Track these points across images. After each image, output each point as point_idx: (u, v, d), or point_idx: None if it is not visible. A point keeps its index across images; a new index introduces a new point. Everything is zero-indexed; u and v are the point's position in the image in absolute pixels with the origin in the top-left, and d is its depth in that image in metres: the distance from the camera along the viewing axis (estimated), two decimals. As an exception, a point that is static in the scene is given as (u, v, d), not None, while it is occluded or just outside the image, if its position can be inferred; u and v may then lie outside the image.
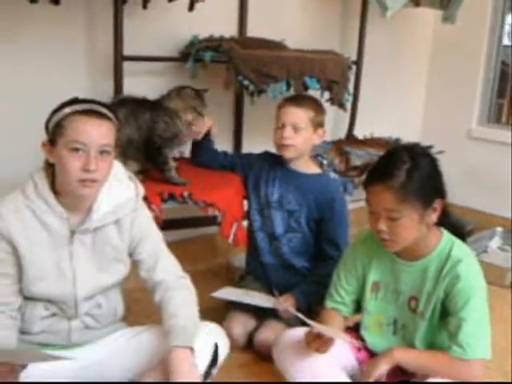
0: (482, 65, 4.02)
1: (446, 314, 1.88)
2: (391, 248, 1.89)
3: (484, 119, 4.10)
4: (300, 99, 2.48)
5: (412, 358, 1.89)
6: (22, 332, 1.81)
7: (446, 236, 1.92)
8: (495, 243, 3.79)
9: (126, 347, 1.91)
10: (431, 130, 4.15)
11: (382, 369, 1.87)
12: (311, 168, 2.56)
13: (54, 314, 1.86)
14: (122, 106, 2.35)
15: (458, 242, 1.91)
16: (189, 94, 2.48)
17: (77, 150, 1.70)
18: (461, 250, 1.89)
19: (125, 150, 2.29)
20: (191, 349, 1.76)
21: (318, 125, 2.46)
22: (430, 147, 3.37)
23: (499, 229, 3.82)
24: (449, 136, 4.04)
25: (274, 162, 2.55)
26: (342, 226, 2.50)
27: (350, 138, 3.51)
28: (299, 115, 2.40)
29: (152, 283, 1.95)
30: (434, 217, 1.84)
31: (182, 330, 1.80)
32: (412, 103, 4.21)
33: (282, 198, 2.53)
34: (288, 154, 2.46)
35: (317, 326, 1.88)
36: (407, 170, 1.78)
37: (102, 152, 1.72)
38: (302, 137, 2.42)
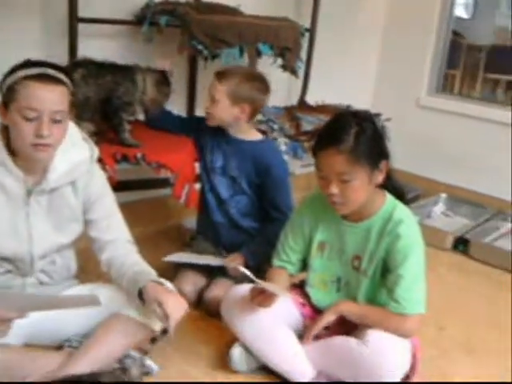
0: (433, 35, 4.08)
1: (386, 272, 1.99)
2: (341, 211, 1.96)
3: (433, 89, 4.18)
4: (227, 73, 2.51)
5: (356, 310, 2.00)
6: None
7: (389, 199, 2.01)
8: (439, 209, 3.91)
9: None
10: (382, 97, 4.21)
11: (329, 319, 2.00)
12: (251, 135, 2.62)
13: (8, 271, 1.90)
14: (81, 67, 2.37)
15: (400, 204, 2.01)
16: (162, 91, 2.54)
17: (29, 116, 1.70)
18: (402, 212, 1.99)
19: (81, 110, 2.31)
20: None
21: (242, 100, 2.48)
22: (378, 115, 3.47)
23: (443, 195, 3.95)
24: (399, 104, 4.12)
25: (218, 130, 2.60)
26: (281, 191, 2.57)
27: (302, 104, 3.55)
28: (217, 88, 2.47)
29: (101, 243, 2.00)
30: (380, 178, 1.93)
31: (151, 271, 1.91)
32: (364, 71, 4.26)
33: (224, 165, 2.61)
34: (208, 121, 2.56)
35: (261, 283, 1.96)
36: (355, 134, 1.85)
37: (54, 118, 1.73)
38: (217, 108, 2.49)
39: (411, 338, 1.98)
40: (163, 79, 2.54)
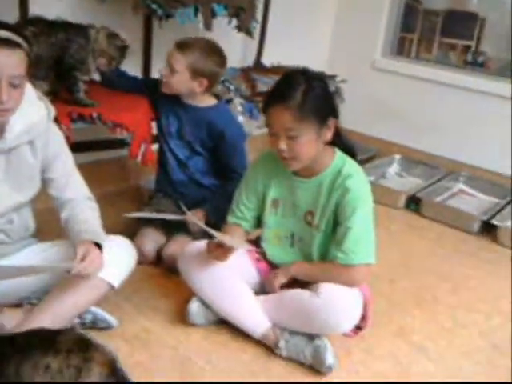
0: (389, -2, 4.12)
1: (336, 225, 2.05)
2: (291, 167, 2.01)
3: (387, 51, 4.23)
4: (188, 45, 2.50)
5: (305, 271, 2.08)
6: None
7: (339, 155, 2.07)
8: (393, 169, 4.00)
9: (35, 261, 1.98)
10: (337, 59, 4.23)
11: (281, 281, 2.08)
12: (206, 101, 2.64)
13: (-34, 230, 1.90)
14: (32, 25, 2.33)
15: (349, 160, 2.06)
16: (115, 44, 2.50)
17: None
18: (351, 166, 2.04)
19: (34, 70, 2.28)
20: (99, 246, 1.88)
21: (201, 74, 2.50)
22: (333, 76, 3.52)
23: (398, 156, 4.02)
24: (354, 66, 4.15)
25: (173, 96, 2.60)
26: (235, 154, 2.62)
27: (258, 65, 3.57)
28: (177, 59, 2.47)
29: (61, 201, 2.01)
30: (328, 135, 1.98)
31: (93, 231, 1.93)
32: (319, 33, 4.27)
33: (179, 130, 2.64)
34: (163, 89, 2.57)
35: (219, 236, 2.01)
36: (303, 91, 1.89)
37: (13, 82, 1.70)
38: (175, 79, 2.50)
39: (360, 287, 2.05)
40: (116, 34, 2.51)
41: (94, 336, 1.61)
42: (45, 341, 1.50)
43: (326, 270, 2.05)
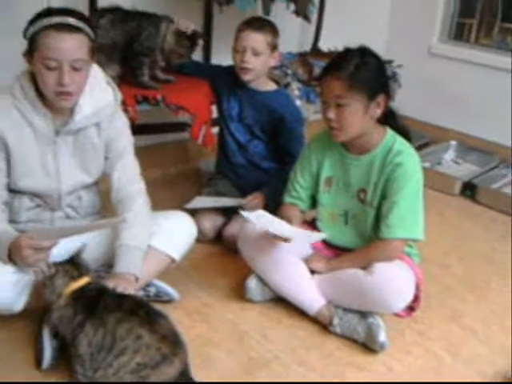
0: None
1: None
2: (338, 137, 2.06)
3: (445, 36, 4.19)
4: (259, 23, 2.57)
5: (342, 265, 2.13)
6: (10, 221, 1.95)
7: (390, 134, 2.11)
8: (449, 156, 3.97)
9: (100, 238, 2.07)
10: (394, 45, 4.19)
11: (314, 267, 2.18)
12: (267, 85, 2.71)
13: (38, 205, 2.01)
14: (110, 13, 2.49)
15: (400, 138, 2.10)
16: (182, 43, 2.58)
17: (50, 65, 1.77)
18: (402, 144, 2.09)
19: (109, 53, 2.43)
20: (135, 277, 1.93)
21: (274, 48, 2.59)
22: (390, 62, 3.52)
23: (453, 142, 3.99)
24: (411, 51, 4.12)
25: (236, 79, 2.65)
26: (293, 139, 2.67)
27: (315, 50, 3.60)
28: (259, 39, 2.53)
29: (110, 181, 2.09)
30: (377, 111, 2.03)
31: (130, 261, 1.95)
32: (376, 18, 4.25)
33: (240, 113, 2.71)
34: (247, 76, 2.60)
35: (278, 226, 2.07)
36: (356, 64, 1.97)
37: (74, 66, 1.79)
38: (260, 60, 2.56)
39: (412, 267, 2.10)
40: (184, 33, 2.58)
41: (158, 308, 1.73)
42: (147, 315, 1.66)
43: (363, 254, 2.11)
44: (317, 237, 2.19)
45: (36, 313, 1.94)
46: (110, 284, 1.82)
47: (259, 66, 2.57)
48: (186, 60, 2.66)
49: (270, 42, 2.56)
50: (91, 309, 1.68)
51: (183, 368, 1.64)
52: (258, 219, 2.10)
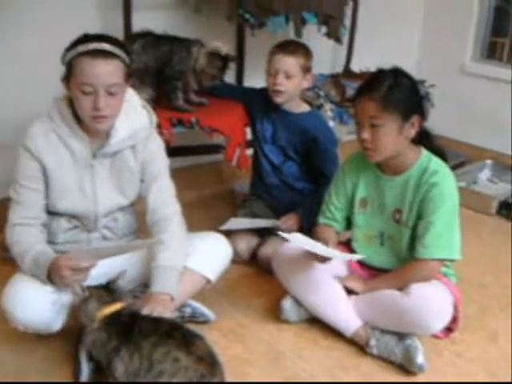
0: (477, 1, 4.05)
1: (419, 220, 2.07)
2: (373, 158, 2.06)
3: (477, 55, 4.16)
4: (292, 46, 2.60)
5: (380, 285, 2.11)
6: (48, 242, 1.98)
7: (426, 154, 2.10)
8: (485, 175, 3.92)
9: (136, 259, 2.09)
10: (426, 64, 4.18)
11: (350, 287, 2.17)
12: (300, 107, 2.72)
13: (75, 227, 2.04)
14: (142, 38, 2.54)
15: (435, 158, 2.09)
16: (215, 64, 2.61)
17: (86, 90, 1.81)
18: (438, 164, 2.08)
19: (142, 77, 2.46)
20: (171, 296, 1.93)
21: (307, 70, 2.62)
22: (423, 81, 3.51)
23: (489, 162, 3.95)
24: (443, 71, 4.11)
25: (269, 101, 2.68)
26: (327, 160, 2.67)
27: (347, 71, 3.61)
28: (291, 63, 2.55)
29: (145, 203, 2.11)
30: (412, 132, 2.03)
31: (165, 282, 1.95)
32: (408, 38, 4.26)
33: (274, 135, 2.73)
34: (279, 99, 2.62)
35: (316, 247, 2.06)
36: (389, 85, 1.97)
37: (110, 90, 1.83)
38: (293, 83, 2.58)
39: (451, 288, 2.07)
40: (217, 55, 2.60)
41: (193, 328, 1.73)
42: (184, 337, 1.66)
43: (400, 275, 2.09)
44: (354, 257, 2.17)
45: (74, 333, 1.97)
46: (146, 309, 1.82)
47: (291, 89, 2.60)
48: (217, 82, 2.69)
49: (303, 65, 2.58)
50: (126, 334, 1.69)
51: None
52: (295, 240, 2.10)
